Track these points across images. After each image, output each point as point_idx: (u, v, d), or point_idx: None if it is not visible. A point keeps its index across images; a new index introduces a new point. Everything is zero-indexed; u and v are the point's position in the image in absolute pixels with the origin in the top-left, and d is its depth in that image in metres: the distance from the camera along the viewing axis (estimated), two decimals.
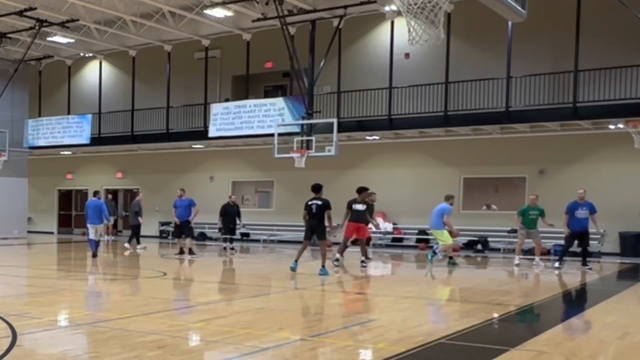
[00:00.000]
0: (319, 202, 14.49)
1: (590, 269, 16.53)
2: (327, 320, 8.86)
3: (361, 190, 16.50)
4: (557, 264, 16.74)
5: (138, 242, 22.54)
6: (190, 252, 19.11)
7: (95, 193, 19.26)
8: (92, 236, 18.08)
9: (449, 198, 17.44)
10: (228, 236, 21.48)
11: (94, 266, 16.84)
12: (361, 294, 11.47)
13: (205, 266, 17.81)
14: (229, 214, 21.26)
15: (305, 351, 6.98)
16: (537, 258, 17.73)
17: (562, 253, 17.18)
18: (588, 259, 17.05)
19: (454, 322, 8.95)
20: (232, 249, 21.44)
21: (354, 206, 16.37)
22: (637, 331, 8.37)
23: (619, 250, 21.04)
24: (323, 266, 14.33)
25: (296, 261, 14.83)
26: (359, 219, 16.35)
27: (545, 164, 22.21)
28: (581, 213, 16.49)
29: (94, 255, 17.90)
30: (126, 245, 22.30)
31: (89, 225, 18.17)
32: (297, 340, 7.35)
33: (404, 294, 11.93)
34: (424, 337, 7.54)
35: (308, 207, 14.58)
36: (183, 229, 19.30)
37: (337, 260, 16.45)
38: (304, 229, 14.95)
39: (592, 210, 16.54)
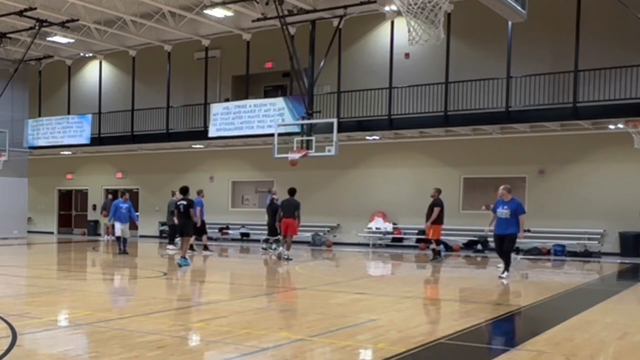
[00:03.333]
0: (185, 203, 16.47)
1: (502, 280, 13.72)
2: (327, 320, 8.86)
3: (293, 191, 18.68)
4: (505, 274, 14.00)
5: (172, 242, 21.47)
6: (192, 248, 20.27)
7: (122, 194, 21.14)
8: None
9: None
10: (275, 237, 20.70)
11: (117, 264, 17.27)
12: (361, 294, 11.47)
13: (205, 266, 17.80)
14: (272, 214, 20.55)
15: (305, 351, 6.98)
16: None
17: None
18: (521, 262, 14.75)
19: (454, 322, 8.95)
20: (274, 249, 20.76)
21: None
22: (637, 331, 8.38)
23: (619, 250, 21.02)
24: (183, 257, 16.18)
25: (184, 257, 16.27)
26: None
27: (545, 164, 22.21)
28: (500, 212, 13.82)
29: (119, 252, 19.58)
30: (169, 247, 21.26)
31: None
32: (297, 340, 7.35)
33: (404, 294, 11.94)
34: (424, 337, 7.54)
35: (177, 207, 16.72)
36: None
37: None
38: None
39: (516, 211, 13.74)
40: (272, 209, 19.97)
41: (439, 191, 18.53)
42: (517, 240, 13.97)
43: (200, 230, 20.90)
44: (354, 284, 13.47)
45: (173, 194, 20.93)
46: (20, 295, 11.51)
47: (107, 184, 31.73)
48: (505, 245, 13.88)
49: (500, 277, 13.86)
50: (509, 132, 22.42)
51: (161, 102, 27.67)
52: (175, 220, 20.86)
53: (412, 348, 6.96)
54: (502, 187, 14.06)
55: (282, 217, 18.57)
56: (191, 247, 20.09)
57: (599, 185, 21.29)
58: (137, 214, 29.95)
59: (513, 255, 15.46)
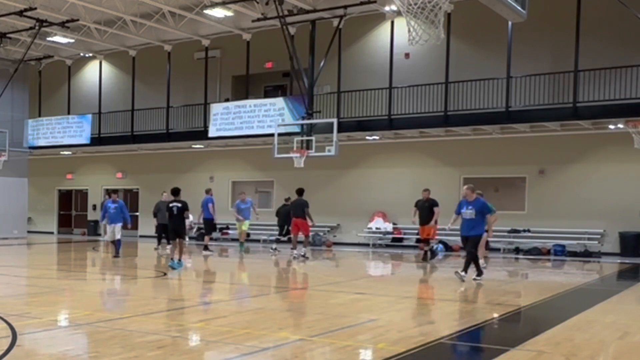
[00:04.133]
0: (179, 205, 15.65)
1: (462, 278, 13.24)
2: (327, 320, 8.86)
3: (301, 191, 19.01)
4: (463, 273, 13.38)
5: (167, 242, 20.76)
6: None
7: (111, 194, 20.00)
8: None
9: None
10: (282, 237, 21.30)
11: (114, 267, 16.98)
12: (361, 294, 11.47)
13: (205, 266, 17.80)
14: (283, 215, 21.04)
15: (305, 351, 6.98)
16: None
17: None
18: (480, 273, 13.52)
19: (454, 322, 8.95)
20: (274, 249, 20.98)
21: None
22: (637, 331, 8.38)
23: (619, 250, 21.01)
24: (179, 260, 15.48)
25: (172, 259, 15.67)
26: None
27: (545, 164, 22.21)
28: (465, 213, 13.30)
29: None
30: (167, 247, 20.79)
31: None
32: (297, 340, 7.35)
33: (403, 294, 11.94)
34: (424, 337, 7.55)
35: (169, 209, 15.78)
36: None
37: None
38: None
39: (482, 210, 13.19)
40: (285, 210, 20.64)
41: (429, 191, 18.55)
42: (486, 239, 13.42)
43: (210, 229, 21.21)
44: (354, 284, 13.47)
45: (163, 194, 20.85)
46: (20, 295, 11.50)
47: (107, 184, 31.71)
48: (469, 244, 13.30)
49: (475, 279, 13.34)
50: (509, 132, 22.41)
51: (161, 102, 27.67)
52: (155, 222, 21.12)
53: (412, 348, 6.96)
54: (465, 186, 13.75)
55: (292, 217, 18.95)
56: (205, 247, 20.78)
57: (599, 185, 21.29)
58: (137, 214, 30.03)
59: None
